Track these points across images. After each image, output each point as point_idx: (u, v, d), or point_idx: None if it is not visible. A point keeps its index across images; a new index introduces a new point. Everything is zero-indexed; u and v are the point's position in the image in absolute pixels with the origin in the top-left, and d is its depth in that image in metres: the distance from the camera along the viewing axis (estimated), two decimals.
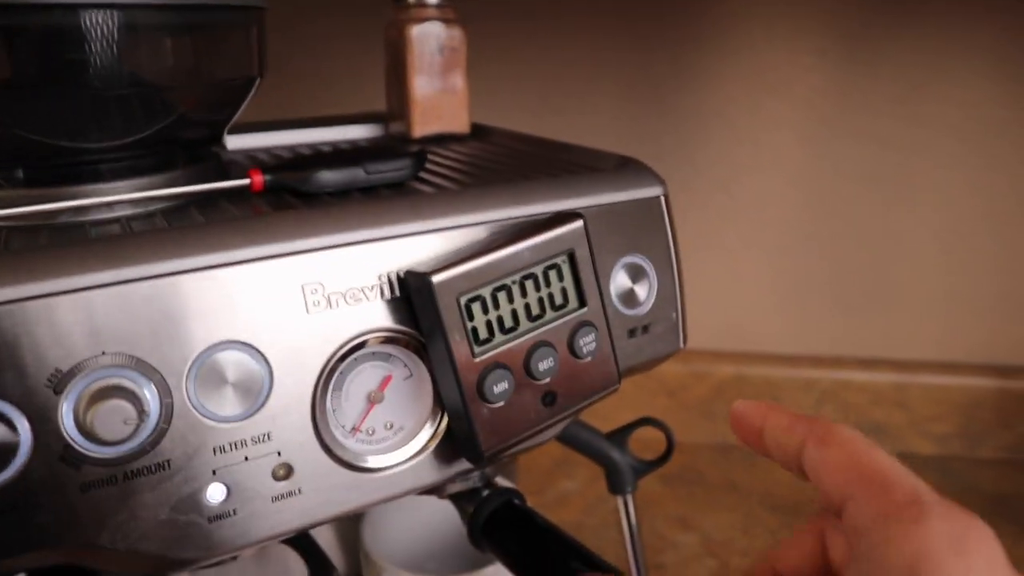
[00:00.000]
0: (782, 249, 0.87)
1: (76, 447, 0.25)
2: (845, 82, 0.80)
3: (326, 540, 0.54)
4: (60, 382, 0.25)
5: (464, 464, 0.34)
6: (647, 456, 0.49)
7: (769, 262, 0.87)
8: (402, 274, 0.31)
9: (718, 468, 0.88)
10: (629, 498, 0.49)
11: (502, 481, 0.46)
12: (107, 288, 0.26)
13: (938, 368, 0.89)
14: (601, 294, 0.34)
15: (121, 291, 0.26)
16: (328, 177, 0.35)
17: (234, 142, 0.48)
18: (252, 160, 0.46)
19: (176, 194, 0.33)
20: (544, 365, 0.32)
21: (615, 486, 0.49)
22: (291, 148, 0.50)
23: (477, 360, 0.30)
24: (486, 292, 0.30)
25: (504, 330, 0.31)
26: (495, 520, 0.39)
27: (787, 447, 0.26)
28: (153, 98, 0.33)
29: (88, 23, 0.30)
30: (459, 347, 0.30)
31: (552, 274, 0.32)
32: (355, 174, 0.36)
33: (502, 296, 0.31)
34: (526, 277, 0.31)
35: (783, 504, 0.82)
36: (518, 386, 0.31)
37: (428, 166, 0.42)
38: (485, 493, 0.40)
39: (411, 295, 0.30)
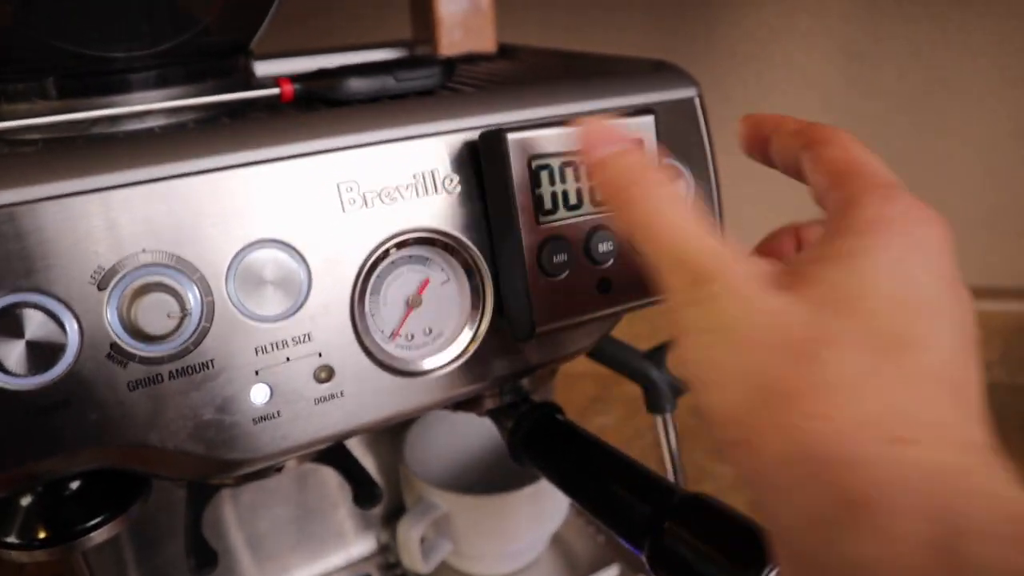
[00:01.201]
0: None
1: (122, 344, 0.25)
2: None
3: (367, 466, 0.55)
4: (104, 279, 0.25)
5: (505, 368, 0.33)
6: None
7: (800, 190, 0.86)
8: (444, 168, 0.30)
9: None
10: (669, 417, 0.49)
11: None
12: (144, 185, 0.26)
13: (979, 292, 0.86)
14: None
15: (158, 188, 0.26)
16: (358, 85, 0.34)
17: (262, 68, 0.48)
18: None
19: (207, 103, 0.33)
20: (603, 248, 0.31)
21: (654, 405, 0.48)
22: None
23: (540, 227, 0.30)
24: (555, 163, 0.30)
25: (568, 205, 0.30)
26: (536, 434, 0.39)
27: (790, 150, 0.26)
28: (180, 4, 0.32)
29: None
30: (524, 211, 0.29)
31: None
32: (385, 82, 0.35)
33: (569, 172, 0.30)
34: None
35: None
36: (576, 265, 0.31)
37: (457, 77, 0.41)
38: (524, 408, 0.40)
39: (482, 154, 0.30)
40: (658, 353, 0.48)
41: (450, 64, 0.37)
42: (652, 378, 0.47)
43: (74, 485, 0.33)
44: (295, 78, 0.35)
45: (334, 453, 0.40)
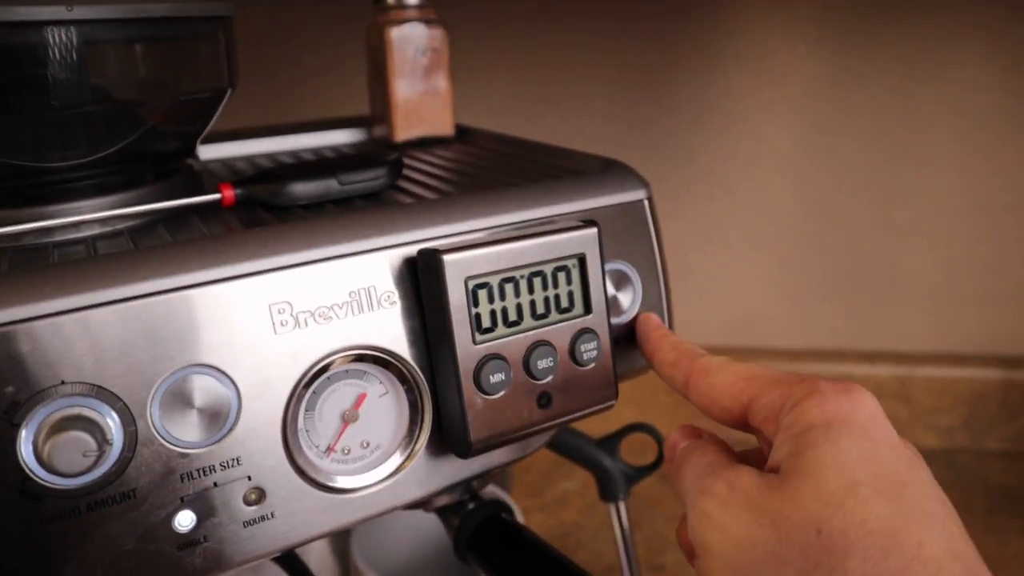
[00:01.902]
0: (782, 244, 0.86)
1: (37, 479, 0.25)
2: (842, 68, 0.78)
3: (318, 549, 0.54)
4: (18, 413, 0.25)
5: (444, 480, 0.33)
6: (640, 462, 0.49)
7: (770, 257, 0.86)
8: (383, 284, 0.30)
9: None
10: (622, 505, 0.48)
11: (493, 489, 0.45)
12: (66, 315, 0.25)
13: (941, 360, 0.87)
14: (607, 304, 0.33)
15: (81, 317, 0.25)
16: (300, 189, 0.34)
17: (210, 151, 0.48)
18: (229, 169, 0.46)
19: (144, 211, 0.33)
20: (543, 364, 0.31)
21: (607, 493, 0.48)
22: (270, 156, 0.49)
23: (477, 347, 0.30)
24: (494, 281, 0.30)
25: (507, 323, 0.31)
26: (481, 534, 0.39)
27: (674, 381, 0.31)
28: (118, 114, 0.32)
29: (48, 39, 0.29)
30: (461, 330, 0.29)
31: (561, 275, 0.32)
32: (328, 185, 0.35)
33: (509, 288, 0.30)
34: (535, 274, 0.31)
35: None
36: (515, 382, 0.31)
37: (407, 172, 0.41)
38: (471, 506, 0.39)
39: (420, 272, 0.30)
40: (611, 441, 0.48)
41: (397, 164, 0.37)
42: (605, 467, 0.47)
43: None
44: (236, 182, 0.34)
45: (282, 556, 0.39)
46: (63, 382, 0.25)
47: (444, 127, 0.51)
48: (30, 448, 0.25)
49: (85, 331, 0.25)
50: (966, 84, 0.77)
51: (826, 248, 0.85)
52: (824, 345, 0.89)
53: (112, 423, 0.26)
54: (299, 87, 0.80)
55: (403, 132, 0.50)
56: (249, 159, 0.48)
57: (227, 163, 0.47)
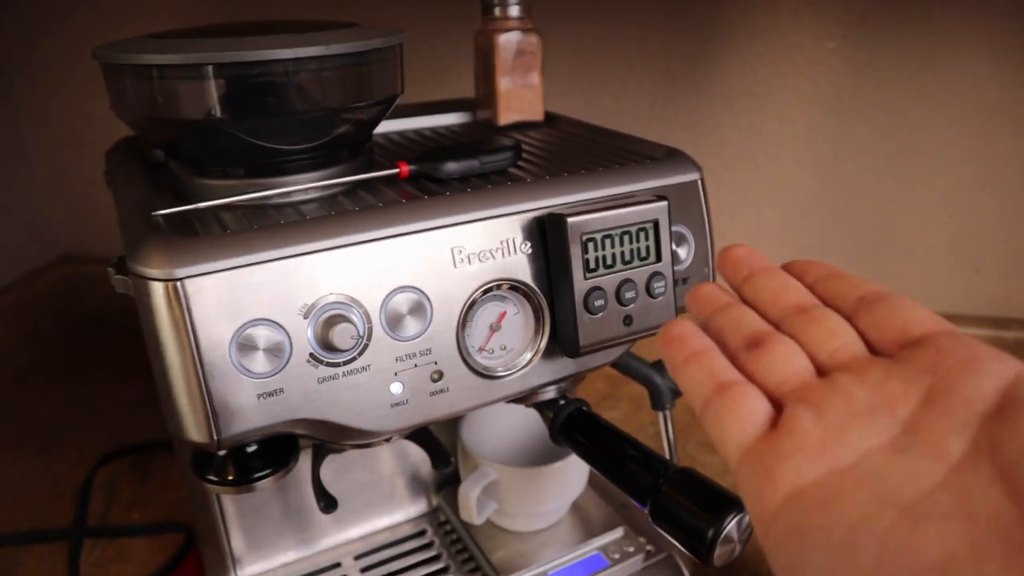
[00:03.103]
0: (801, 212, 0.98)
1: (317, 353, 0.39)
2: (863, 62, 0.90)
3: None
4: (307, 311, 0.39)
5: (555, 374, 0.47)
6: None
7: (790, 224, 0.99)
8: (520, 236, 0.44)
9: None
10: (668, 414, 0.63)
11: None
12: (334, 251, 0.39)
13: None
14: (673, 256, 0.47)
15: (342, 252, 0.39)
16: (454, 167, 0.48)
17: None
18: (380, 146, 0.59)
19: (350, 181, 0.47)
20: (628, 295, 0.45)
21: (657, 403, 0.62)
22: (402, 133, 0.63)
23: (587, 281, 0.44)
24: (598, 236, 0.44)
25: (606, 265, 0.44)
26: (569, 422, 0.53)
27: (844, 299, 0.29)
28: (330, 116, 0.46)
29: (286, 70, 0.43)
30: (577, 269, 0.43)
31: (642, 234, 0.45)
32: (472, 164, 0.49)
33: (607, 241, 0.44)
34: (625, 232, 0.44)
35: None
36: (609, 306, 0.44)
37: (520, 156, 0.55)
38: (561, 402, 0.53)
39: (548, 229, 0.44)
40: (661, 364, 0.62)
41: (517, 149, 0.51)
42: (656, 382, 0.61)
43: (251, 448, 0.46)
44: (409, 160, 0.48)
45: (420, 432, 0.54)
46: (331, 293, 0.39)
47: (536, 114, 0.64)
48: (313, 333, 0.39)
49: (341, 262, 0.40)
50: (972, 77, 0.89)
51: (840, 218, 0.98)
52: None
53: (358, 320, 0.40)
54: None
55: (505, 117, 0.63)
56: (386, 136, 0.62)
57: (374, 140, 0.60)
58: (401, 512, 0.70)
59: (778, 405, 0.26)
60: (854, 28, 0.88)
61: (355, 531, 0.68)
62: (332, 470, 0.64)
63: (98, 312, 1.12)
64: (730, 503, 0.43)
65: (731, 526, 0.42)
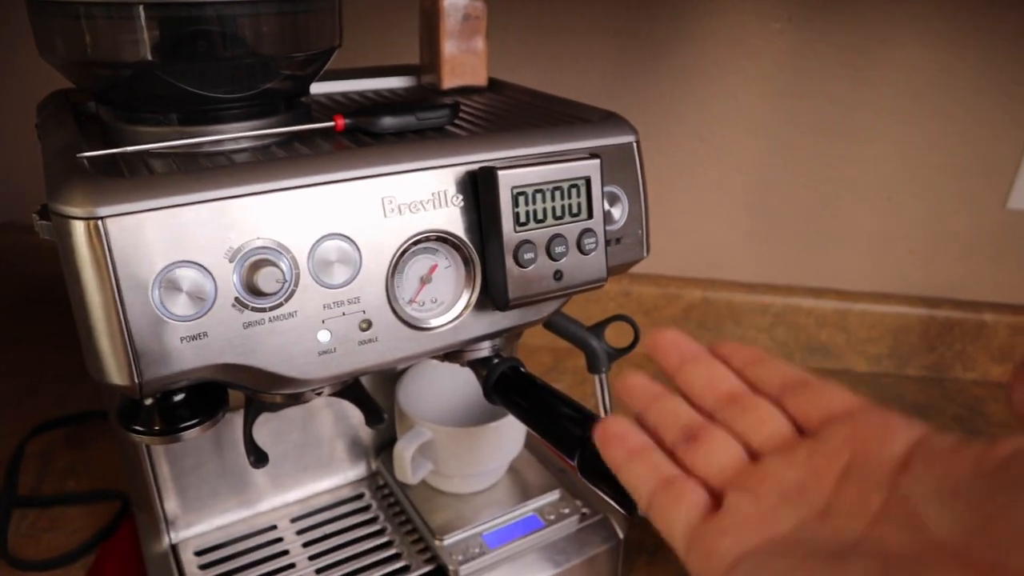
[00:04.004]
0: (747, 190, 1.00)
1: (242, 298, 0.39)
2: (806, 46, 0.92)
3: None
4: (233, 255, 0.39)
5: (485, 328, 0.48)
6: (620, 344, 0.64)
7: (735, 201, 1.01)
8: (452, 189, 0.44)
9: None
10: (604, 377, 0.64)
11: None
12: (262, 195, 0.39)
13: (874, 298, 1.03)
14: (604, 213, 0.47)
15: (271, 197, 0.39)
16: (390, 122, 0.48)
17: None
18: (318, 104, 0.59)
19: (284, 132, 0.47)
20: (559, 250, 0.45)
21: (593, 367, 0.63)
22: (344, 94, 0.62)
23: (517, 234, 0.44)
24: (529, 190, 0.44)
25: (536, 220, 0.45)
26: (504, 380, 0.53)
27: None
28: (266, 64, 0.46)
29: (220, 15, 0.42)
30: (507, 222, 0.44)
31: (573, 190, 0.46)
32: (409, 120, 0.49)
33: (538, 196, 0.44)
34: (556, 188, 0.45)
35: None
36: (539, 260, 0.45)
37: (459, 114, 0.55)
38: (495, 360, 0.54)
39: (480, 182, 0.44)
40: (598, 328, 0.63)
41: (455, 107, 0.51)
42: (592, 345, 0.62)
43: (178, 397, 0.46)
44: (345, 114, 0.48)
45: (353, 389, 0.54)
46: (258, 237, 0.39)
47: (480, 79, 0.64)
48: (238, 277, 0.39)
49: (271, 206, 0.39)
50: (904, 62, 0.91)
51: (783, 196, 1.00)
52: (777, 280, 1.05)
53: (285, 266, 0.40)
54: (358, 36, 0.92)
55: (448, 81, 0.63)
56: (329, 96, 0.61)
57: (314, 100, 0.60)
58: (340, 475, 0.70)
59: (717, 492, 0.29)
60: (800, 11, 0.90)
61: (293, 494, 0.68)
62: (269, 431, 0.64)
63: (35, 283, 1.10)
64: None
65: None
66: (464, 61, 0.63)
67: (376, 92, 0.64)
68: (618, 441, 0.31)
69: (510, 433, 0.64)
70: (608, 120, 0.53)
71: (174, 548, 0.62)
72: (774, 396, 0.31)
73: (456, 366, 0.56)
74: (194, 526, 0.64)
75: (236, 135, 0.45)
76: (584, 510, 0.65)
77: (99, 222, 0.36)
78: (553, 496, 0.66)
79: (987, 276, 1.02)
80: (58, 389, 0.94)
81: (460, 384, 0.68)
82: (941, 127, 0.94)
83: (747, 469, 0.29)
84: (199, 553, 0.62)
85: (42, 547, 0.71)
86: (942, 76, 0.91)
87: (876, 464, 0.26)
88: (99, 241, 0.36)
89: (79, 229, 0.36)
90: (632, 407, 0.33)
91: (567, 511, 0.65)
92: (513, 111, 0.57)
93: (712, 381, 0.32)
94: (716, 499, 0.28)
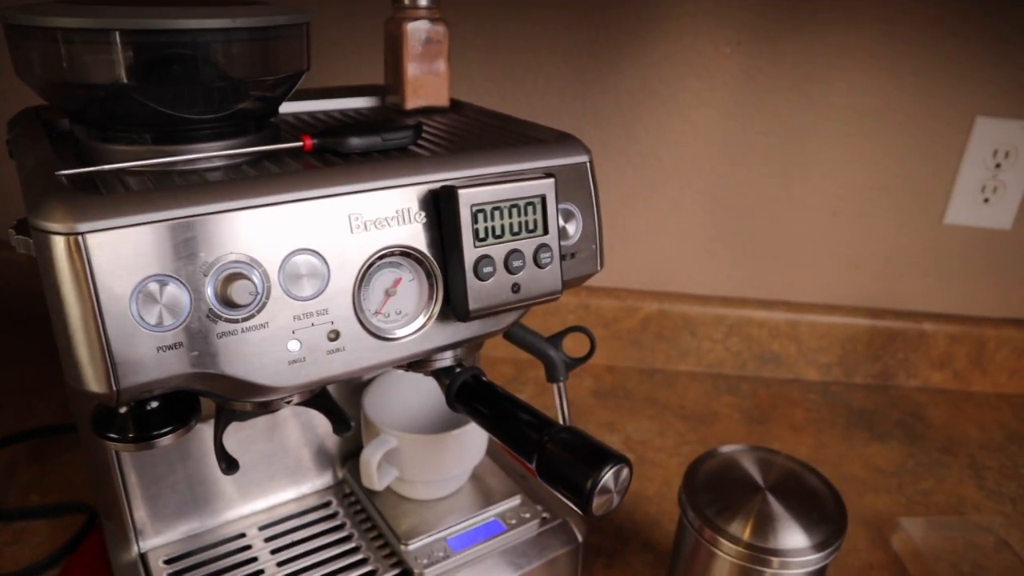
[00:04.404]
0: (700, 207, 1.04)
1: (216, 309, 0.41)
2: (756, 68, 0.97)
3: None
4: (207, 268, 0.41)
5: (448, 338, 0.50)
6: (577, 354, 0.67)
7: (691, 218, 1.05)
8: (415, 207, 0.47)
9: (642, 387, 1.06)
10: (562, 386, 0.66)
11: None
12: (236, 212, 0.41)
13: (824, 309, 1.08)
14: (559, 229, 0.50)
15: (244, 214, 0.42)
16: (357, 142, 0.51)
17: None
18: (284, 123, 0.61)
19: (255, 151, 0.49)
20: (516, 264, 0.48)
21: (551, 376, 0.66)
22: (312, 114, 0.65)
23: (476, 249, 0.47)
24: (488, 208, 0.47)
25: (495, 235, 0.47)
26: (465, 389, 0.56)
27: None
28: (237, 87, 0.48)
29: (194, 41, 0.45)
30: (467, 238, 0.46)
31: (529, 208, 0.49)
32: (375, 141, 0.51)
33: (496, 213, 0.47)
34: (513, 206, 0.48)
35: (692, 415, 1.01)
36: (498, 274, 0.48)
37: (423, 134, 0.58)
38: (457, 369, 0.57)
39: (441, 200, 0.47)
40: (555, 338, 0.66)
41: (418, 128, 0.54)
42: (551, 355, 0.65)
43: (153, 404, 0.48)
44: (313, 135, 0.50)
45: (321, 398, 0.56)
46: (231, 252, 0.41)
47: (442, 100, 0.67)
48: (212, 289, 0.41)
49: (243, 223, 0.42)
50: (848, 88, 0.96)
51: (735, 213, 1.04)
52: (731, 293, 1.09)
53: (257, 280, 0.42)
54: (325, 59, 0.94)
55: (412, 102, 0.66)
56: (296, 115, 0.64)
57: (282, 118, 0.62)
58: (307, 484, 0.71)
59: None
60: (748, 35, 0.95)
61: (261, 503, 0.69)
62: (237, 440, 0.65)
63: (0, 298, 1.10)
64: (607, 456, 0.46)
65: (607, 477, 0.46)
66: (427, 83, 0.66)
67: (342, 112, 0.66)
68: None
69: (472, 440, 0.66)
70: (562, 140, 0.56)
71: (143, 557, 0.63)
72: None
73: (420, 376, 0.58)
74: (163, 534, 0.65)
75: (208, 154, 0.47)
76: (544, 515, 0.68)
77: (79, 237, 0.38)
78: (514, 501, 0.68)
79: (926, 288, 1.08)
80: (20, 403, 0.94)
81: (424, 393, 0.71)
82: (883, 148, 0.99)
83: None
84: (168, 561, 0.63)
85: (6, 561, 0.71)
86: (883, 100, 0.97)
87: None
88: (79, 255, 0.38)
89: (60, 244, 0.38)
90: None
91: (528, 515, 0.67)
92: (473, 131, 0.60)
93: None
94: None
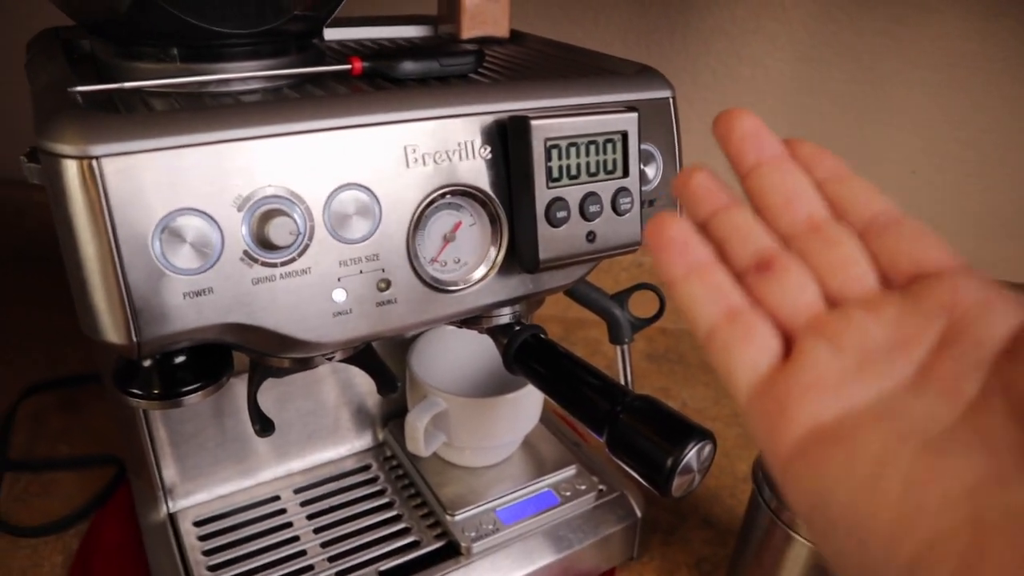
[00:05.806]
0: None
1: (251, 251, 0.36)
2: (837, 8, 0.88)
3: None
4: (242, 203, 0.35)
5: (510, 292, 0.44)
6: (643, 315, 0.60)
7: None
8: (479, 140, 0.41)
9: (697, 351, 1.00)
10: (626, 348, 0.60)
11: None
12: (275, 139, 0.36)
13: None
14: (641, 171, 0.44)
15: (284, 141, 0.36)
16: (411, 67, 0.44)
17: None
18: (331, 51, 0.55)
19: (298, 73, 0.43)
20: (593, 209, 0.42)
21: (615, 337, 0.60)
22: (358, 41, 0.58)
23: (549, 190, 0.41)
24: (563, 143, 0.40)
25: (569, 176, 0.41)
26: (525, 348, 0.50)
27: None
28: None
29: None
30: (539, 177, 0.40)
31: (609, 145, 0.42)
32: (431, 66, 0.45)
33: (572, 150, 0.41)
34: (591, 142, 0.41)
35: None
36: (572, 220, 0.42)
37: (484, 63, 0.51)
38: (517, 328, 0.51)
39: (511, 132, 0.40)
40: (621, 297, 0.60)
41: (480, 54, 0.47)
42: (616, 315, 0.59)
43: (179, 359, 0.43)
44: (363, 56, 0.44)
45: (365, 355, 0.51)
46: (270, 185, 0.36)
47: (502, 30, 0.60)
48: (247, 228, 0.35)
49: (285, 151, 0.36)
50: (942, 30, 0.87)
51: None
52: None
53: (298, 217, 0.37)
54: None
55: (468, 31, 0.59)
56: (340, 43, 0.57)
57: (327, 46, 0.56)
58: (345, 445, 0.67)
59: (788, 336, 0.24)
60: None
61: (296, 464, 0.65)
62: (273, 398, 0.61)
63: (25, 240, 1.06)
64: (691, 431, 0.41)
65: (691, 455, 0.41)
66: (485, 10, 0.59)
67: (391, 40, 0.60)
68: (677, 249, 0.26)
69: (527, 405, 0.60)
70: (643, 73, 0.49)
71: (172, 518, 0.59)
72: (859, 229, 0.26)
73: (471, 333, 0.53)
74: (193, 495, 0.61)
75: (244, 75, 0.41)
76: (601, 487, 0.63)
77: (94, 161, 0.32)
78: (569, 472, 0.63)
79: (1014, 255, 0.99)
80: (50, 351, 0.90)
81: (476, 352, 0.65)
82: (974, 100, 0.90)
83: (827, 316, 0.24)
84: (198, 523, 0.59)
85: (35, 512, 0.68)
86: (979, 45, 0.87)
87: (975, 342, 0.22)
88: (93, 183, 0.33)
89: (71, 169, 0.33)
90: (694, 211, 0.28)
91: (583, 487, 0.62)
92: (540, 62, 0.53)
93: (791, 196, 0.27)
94: (788, 345, 0.24)
